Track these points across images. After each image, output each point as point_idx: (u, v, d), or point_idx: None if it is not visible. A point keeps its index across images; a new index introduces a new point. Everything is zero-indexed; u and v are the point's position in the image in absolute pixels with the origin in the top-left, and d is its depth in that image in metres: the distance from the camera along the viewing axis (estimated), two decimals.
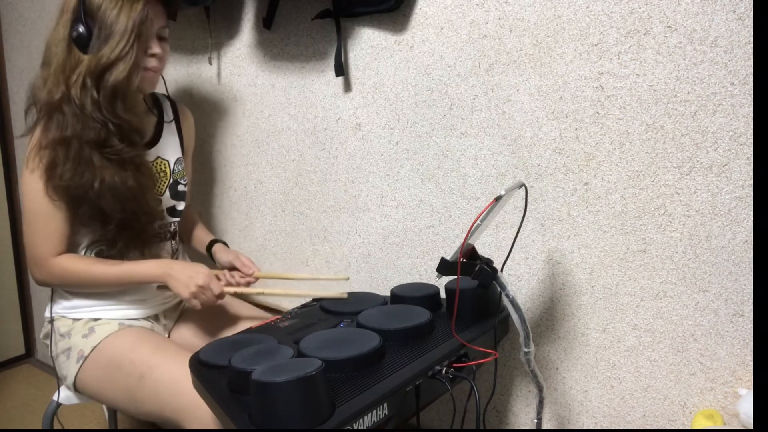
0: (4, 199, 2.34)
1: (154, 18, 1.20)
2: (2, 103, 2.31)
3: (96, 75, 1.14)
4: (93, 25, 1.15)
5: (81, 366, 1.21)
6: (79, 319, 1.28)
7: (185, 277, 1.18)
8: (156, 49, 1.21)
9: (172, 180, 1.35)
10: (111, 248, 1.25)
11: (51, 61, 1.18)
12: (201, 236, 1.50)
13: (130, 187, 1.19)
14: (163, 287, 1.23)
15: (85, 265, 1.21)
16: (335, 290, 1.26)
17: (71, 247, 1.23)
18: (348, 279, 1.31)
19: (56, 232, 1.20)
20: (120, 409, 1.29)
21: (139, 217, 1.23)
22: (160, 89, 1.43)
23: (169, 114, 1.40)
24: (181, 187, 1.37)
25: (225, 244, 1.46)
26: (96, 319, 1.27)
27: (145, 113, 1.34)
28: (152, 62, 1.22)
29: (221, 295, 1.21)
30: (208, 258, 1.44)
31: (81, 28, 1.14)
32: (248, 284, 1.35)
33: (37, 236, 1.20)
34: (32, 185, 1.18)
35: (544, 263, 1.19)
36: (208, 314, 1.41)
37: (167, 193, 1.34)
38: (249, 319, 1.39)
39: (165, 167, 1.34)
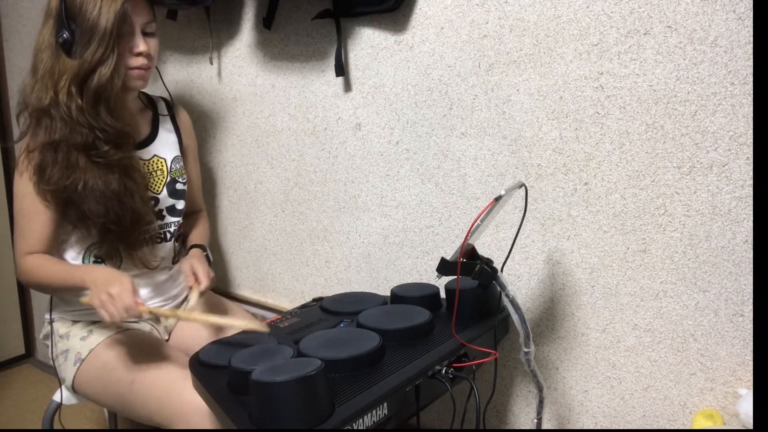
0: (5, 199, 2.34)
1: (137, 14, 1.17)
2: (2, 103, 2.31)
3: (79, 81, 1.13)
4: (75, 29, 1.13)
5: (78, 369, 1.22)
6: (78, 321, 1.28)
7: (101, 284, 1.07)
8: (142, 47, 1.18)
9: (169, 178, 1.35)
10: (99, 251, 1.25)
11: (38, 67, 1.17)
12: (189, 239, 1.44)
13: (114, 190, 1.18)
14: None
15: (45, 265, 1.19)
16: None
17: (52, 250, 1.23)
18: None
19: (35, 232, 1.19)
20: (116, 412, 1.28)
21: (123, 220, 1.20)
22: (159, 88, 1.43)
23: (164, 112, 1.39)
24: (179, 186, 1.37)
25: (203, 248, 1.38)
26: (95, 322, 1.27)
27: (139, 112, 1.34)
28: (139, 61, 1.19)
29: (130, 309, 1.04)
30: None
31: (65, 33, 1.13)
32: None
33: (18, 234, 1.21)
34: (21, 187, 1.19)
35: (544, 263, 1.19)
36: None
37: (164, 191, 1.33)
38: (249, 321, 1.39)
39: (162, 165, 1.34)
